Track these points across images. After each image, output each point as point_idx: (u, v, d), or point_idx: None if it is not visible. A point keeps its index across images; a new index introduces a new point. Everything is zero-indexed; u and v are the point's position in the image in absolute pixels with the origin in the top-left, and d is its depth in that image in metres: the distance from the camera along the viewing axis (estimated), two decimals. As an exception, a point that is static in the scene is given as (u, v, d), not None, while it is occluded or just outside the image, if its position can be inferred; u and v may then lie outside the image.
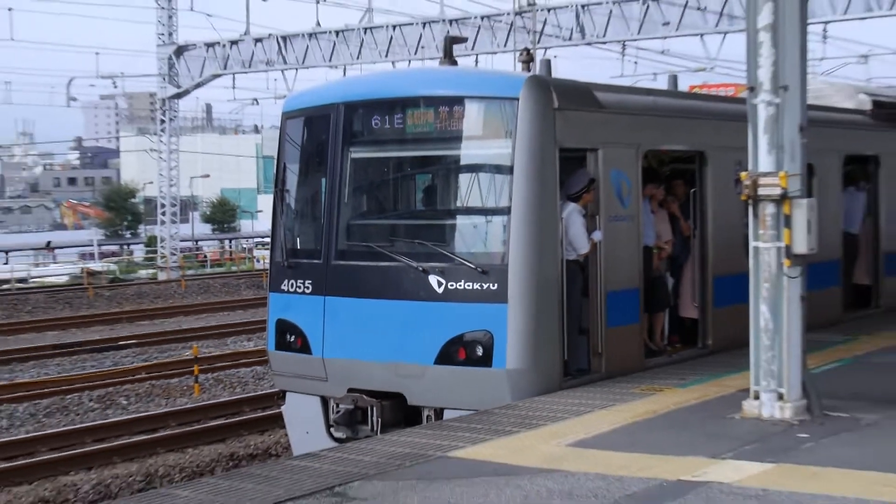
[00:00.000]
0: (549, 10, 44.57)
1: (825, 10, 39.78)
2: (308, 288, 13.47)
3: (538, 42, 42.14)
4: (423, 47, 46.97)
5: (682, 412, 11.39)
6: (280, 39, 51.49)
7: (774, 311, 10.94)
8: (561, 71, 14.49)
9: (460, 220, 13.19)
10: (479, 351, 12.24)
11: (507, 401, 12.03)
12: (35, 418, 19.76)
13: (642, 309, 13.82)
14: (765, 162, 10.97)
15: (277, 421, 16.91)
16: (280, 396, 14.35)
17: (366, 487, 8.83)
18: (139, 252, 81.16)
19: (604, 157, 13.19)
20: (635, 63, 47.85)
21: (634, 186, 13.66)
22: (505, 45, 45.11)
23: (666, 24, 42.73)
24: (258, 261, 50.48)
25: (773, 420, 10.86)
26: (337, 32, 49.94)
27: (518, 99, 12.41)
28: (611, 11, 43.73)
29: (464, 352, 12.33)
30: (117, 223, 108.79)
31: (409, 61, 47.06)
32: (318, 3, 44.21)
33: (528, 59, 14.47)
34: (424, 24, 47.30)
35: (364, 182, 14.00)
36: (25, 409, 20.24)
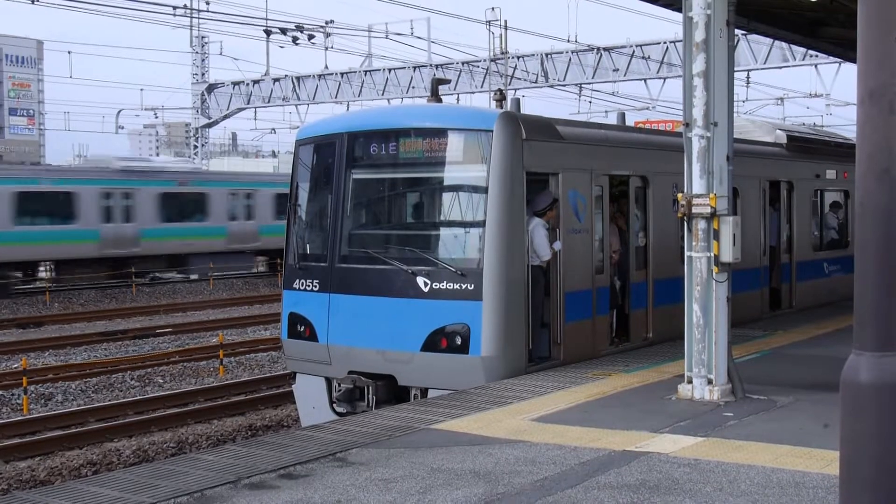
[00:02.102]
0: (518, 58, 44.71)
1: (748, 60, 40.04)
2: (316, 286, 13.41)
3: (509, 84, 42.19)
4: (413, 87, 47.08)
5: (627, 393, 11.35)
6: (294, 80, 51.50)
7: (705, 310, 10.93)
8: (528, 108, 14.42)
9: (443, 231, 13.15)
10: (458, 340, 12.20)
11: (481, 382, 11.98)
12: (85, 394, 19.62)
13: (595, 307, 13.79)
14: (697, 185, 10.96)
15: (289, 397, 16.84)
16: (291, 377, 14.28)
17: (362, 453, 8.78)
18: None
19: (563, 180, 13.18)
20: (590, 102, 47.95)
21: (589, 204, 13.65)
22: (482, 86, 45.25)
23: (616, 70, 42.97)
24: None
25: (703, 401, 10.85)
26: (342, 74, 50.00)
27: (492, 131, 12.38)
28: (570, 59, 43.94)
29: (445, 341, 12.28)
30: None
31: (402, 99, 47.12)
32: (326, 49, 44.12)
33: (500, 97, 14.42)
34: (415, 68, 47.38)
35: (363, 198, 13.95)
36: (77, 386, 20.10)
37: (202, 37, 56.27)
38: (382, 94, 48.25)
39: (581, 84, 45.02)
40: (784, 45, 37.75)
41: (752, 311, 17.54)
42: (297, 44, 40.15)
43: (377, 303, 12.80)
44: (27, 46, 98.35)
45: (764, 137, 19.75)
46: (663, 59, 41.67)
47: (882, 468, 4.71)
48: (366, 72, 49.05)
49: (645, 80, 43.07)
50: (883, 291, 4.67)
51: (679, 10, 11.47)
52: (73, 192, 39.45)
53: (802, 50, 36.96)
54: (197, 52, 56.34)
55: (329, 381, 13.33)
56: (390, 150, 13.20)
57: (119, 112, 62.14)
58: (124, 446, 15.37)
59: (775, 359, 13.90)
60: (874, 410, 4.73)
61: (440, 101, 14.44)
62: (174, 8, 36.49)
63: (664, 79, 42.77)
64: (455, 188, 13.17)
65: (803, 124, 35.43)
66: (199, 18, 46.27)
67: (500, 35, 41.46)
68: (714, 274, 10.91)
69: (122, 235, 40.71)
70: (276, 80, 52.10)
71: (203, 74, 56.50)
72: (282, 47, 45.80)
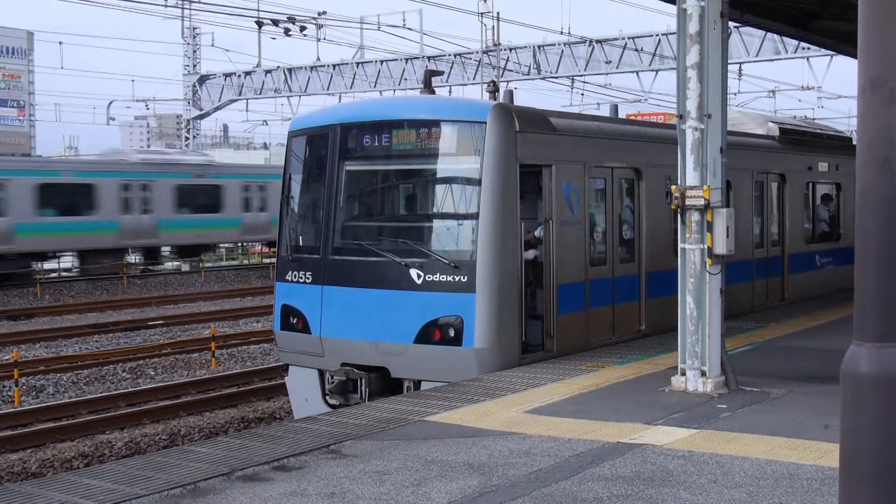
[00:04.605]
0: (510, 50, 44.70)
1: (741, 53, 40.08)
2: (308, 278, 13.38)
3: (501, 76, 42.15)
4: (405, 79, 47.04)
5: (621, 385, 11.35)
6: (286, 71, 51.41)
7: (698, 302, 10.93)
8: (520, 100, 14.42)
9: (436, 223, 13.12)
10: (452, 332, 12.18)
11: (475, 374, 11.96)
12: (77, 386, 19.57)
13: (588, 299, 13.78)
14: (691, 177, 10.96)
15: (281, 390, 16.81)
16: (284, 369, 14.25)
17: (356, 445, 8.76)
18: (166, 247, 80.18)
19: (556, 172, 13.15)
20: (582, 95, 47.98)
21: (582, 196, 13.63)
22: (474, 78, 45.23)
23: (608, 62, 42.97)
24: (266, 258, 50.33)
25: (696, 393, 10.85)
26: (334, 66, 49.94)
27: (486, 122, 12.36)
28: (562, 52, 43.92)
29: (438, 333, 12.26)
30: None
31: (394, 91, 47.07)
32: (318, 41, 44.02)
33: (493, 89, 14.40)
34: (407, 60, 47.32)
35: (356, 190, 13.91)
36: (69, 378, 20.05)
37: (194, 28, 56.14)
38: (374, 86, 48.19)
39: (573, 76, 45.03)
40: (776, 37, 37.80)
41: (743, 303, 17.53)
42: (289, 35, 40.08)
43: (370, 295, 12.77)
44: (17, 37, 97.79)
45: (756, 130, 19.75)
46: (656, 51, 41.68)
47: (882, 460, 4.69)
48: (358, 63, 48.97)
49: (637, 72, 43.08)
50: (884, 282, 4.65)
51: (673, 1, 11.45)
52: None
53: (794, 42, 37.00)
54: (188, 44, 56.19)
55: (322, 373, 13.31)
56: (383, 142, 13.17)
57: (110, 103, 62.14)
58: (116, 438, 15.33)
59: (768, 351, 13.91)
60: (874, 402, 4.70)
61: (433, 92, 14.41)
62: (165, -2, 36.40)
63: (656, 71, 42.79)
64: (448, 180, 13.14)
65: (794, 117, 35.48)
66: (190, 9, 46.19)
67: (493, 27, 41.40)
68: (707, 266, 10.90)
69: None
70: (267, 71, 52.00)
71: (195, 66, 56.37)
72: (274, 39, 45.93)
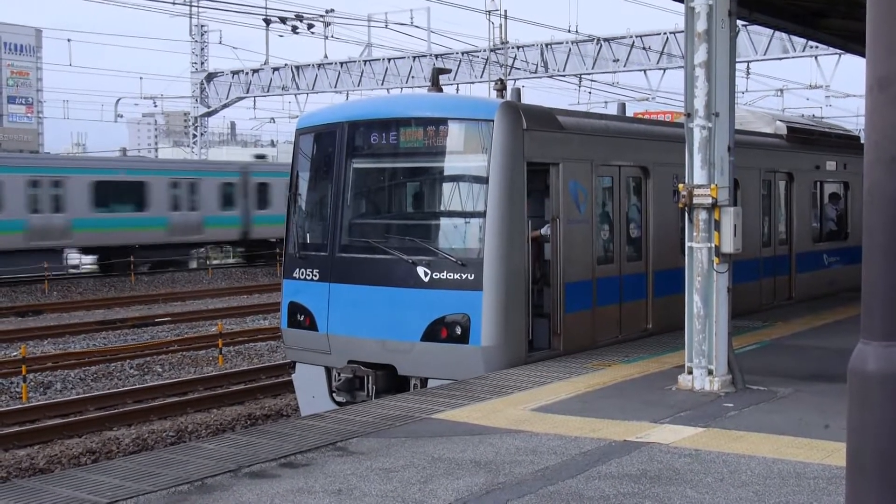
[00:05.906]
0: (518, 48, 44.68)
1: (749, 51, 40.04)
2: (316, 276, 13.39)
3: (509, 74, 42.12)
4: (413, 77, 47.05)
5: (628, 384, 11.35)
6: (294, 69, 51.46)
7: (706, 301, 10.92)
8: (527, 98, 14.39)
9: (444, 221, 13.13)
10: (459, 330, 12.19)
11: (481, 372, 11.97)
12: (84, 382, 19.61)
13: (595, 297, 13.77)
14: (699, 176, 10.95)
15: (288, 387, 16.83)
16: (291, 366, 14.27)
17: (363, 443, 8.78)
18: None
19: (563, 170, 13.15)
20: (590, 93, 47.91)
21: (590, 195, 13.62)
22: (481, 76, 45.23)
23: (616, 60, 42.95)
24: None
25: (703, 392, 10.85)
26: (341, 64, 49.97)
27: (493, 121, 12.36)
28: (570, 50, 43.91)
29: (445, 331, 12.27)
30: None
31: (402, 88, 47.08)
32: (325, 39, 44.06)
33: (501, 87, 14.39)
34: (414, 58, 47.35)
35: (363, 188, 13.93)
36: (76, 375, 20.09)
37: (201, 25, 56.25)
38: (382, 84, 48.20)
39: (581, 74, 44.99)
40: (784, 36, 37.73)
41: (751, 302, 17.51)
42: (296, 33, 40.10)
43: (377, 292, 12.78)
44: (26, 34, 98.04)
45: (764, 129, 19.73)
46: (663, 49, 41.66)
47: (888, 458, 4.69)
48: (365, 61, 48.99)
49: (645, 70, 43.04)
50: (891, 281, 4.65)
51: (681, 0, 11.43)
52: None
53: (802, 41, 36.93)
54: (196, 41, 56.29)
55: (329, 370, 13.32)
56: (391, 140, 13.17)
57: (118, 101, 62.12)
58: (123, 435, 15.37)
59: (775, 350, 13.90)
60: (881, 400, 4.70)
61: (441, 90, 14.41)
62: (173, -4, 36.41)
63: (664, 69, 42.75)
64: (455, 178, 13.14)
65: (802, 116, 35.43)
66: (198, 7, 46.23)
67: (500, 25, 41.38)
68: (715, 265, 10.90)
69: None
70: (275, 69, 52.05)
71: (202, 63, 56.46)
72: (281, 36, 46.13)
